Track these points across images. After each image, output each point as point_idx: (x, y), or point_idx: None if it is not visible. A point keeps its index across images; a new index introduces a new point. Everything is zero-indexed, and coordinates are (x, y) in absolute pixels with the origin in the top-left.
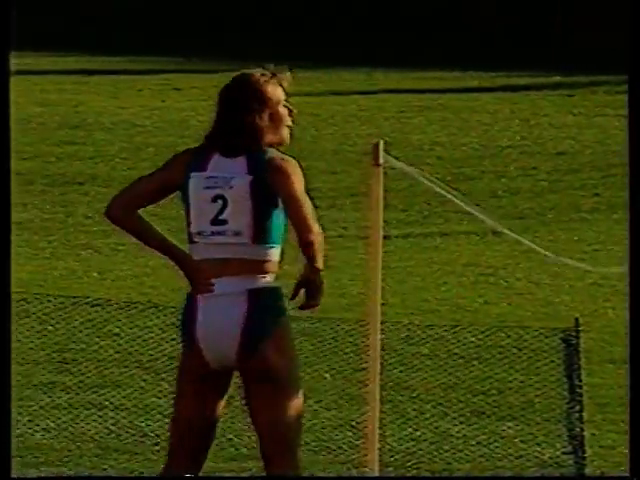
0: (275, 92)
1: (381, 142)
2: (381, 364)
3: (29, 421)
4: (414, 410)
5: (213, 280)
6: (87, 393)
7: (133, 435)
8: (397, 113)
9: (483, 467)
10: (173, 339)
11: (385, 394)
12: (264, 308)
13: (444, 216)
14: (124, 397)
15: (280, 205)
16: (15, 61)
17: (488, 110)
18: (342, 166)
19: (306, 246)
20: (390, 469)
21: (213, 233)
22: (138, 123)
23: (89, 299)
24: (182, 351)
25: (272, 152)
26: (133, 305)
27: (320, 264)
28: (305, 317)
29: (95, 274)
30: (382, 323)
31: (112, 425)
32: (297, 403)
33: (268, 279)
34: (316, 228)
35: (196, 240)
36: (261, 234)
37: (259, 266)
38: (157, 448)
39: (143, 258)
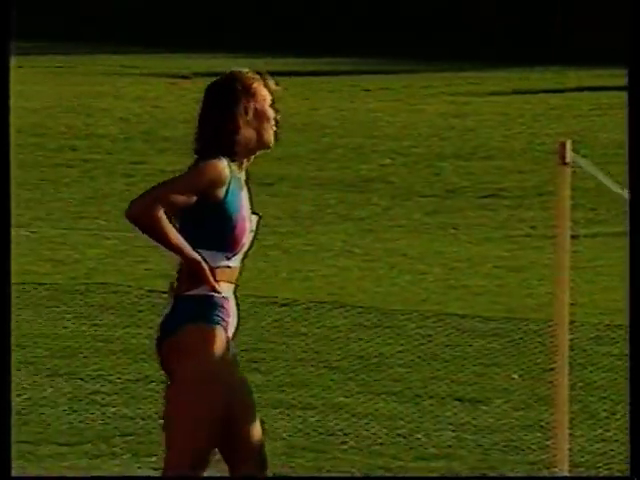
0: (261, 88)
1: (568, 141)
2: (570, 364)
3: None
4: (604, 411)
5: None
6: (275, 392)
7: (321, 434)
8: (587, 111)
9: None
10: (361, 339)
11: (574, 394)
12: (178, 312)
13: None
14: (312, 396)
15: (200, 209)
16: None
17: None
18: (530, 165)
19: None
20: (581, 469)
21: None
22: (328, 124)
23: (277, 299)
24: None
25: (212, 158)
26: (321, 305)
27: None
28: (494, 317)
29: (284, 274)
30: (571, 323)
31: (300, 424)
32: (187, 404)
33: (199, 285)
34: (132, 209)
35: None
36: (185, 237)
37: (190, 272)
38: (345, 447)
39: (331, 259)
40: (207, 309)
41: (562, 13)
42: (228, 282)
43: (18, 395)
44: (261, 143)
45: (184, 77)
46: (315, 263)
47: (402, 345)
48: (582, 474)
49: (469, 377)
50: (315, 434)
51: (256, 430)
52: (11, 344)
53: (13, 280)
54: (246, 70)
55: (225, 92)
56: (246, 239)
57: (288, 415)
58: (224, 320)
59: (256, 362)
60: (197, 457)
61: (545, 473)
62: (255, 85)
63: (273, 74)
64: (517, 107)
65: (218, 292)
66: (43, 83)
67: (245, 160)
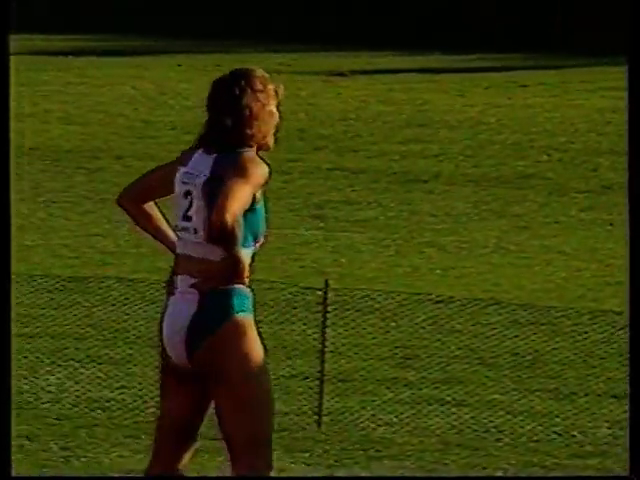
0: (273, 91)
1: None
2: None
3: (372, 415)
4: None
5: (178, 277)
6: (429, 389)
7: (475, 431)
8: None
9: None
10: (516, 336)
11: None
12: (210, 308)
13: None
14: (466, 393)
15: (249, 210)
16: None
17: None
18: None
19: (210, 228)
20: None
21: (182, 229)
22: (483, 121)
23: (432, 296)
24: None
25: (247, 152)
26: (475, 302)
27: (230, 259)
28: None
29: (438, 271)
30: None
31: (454, 421)
32: (256, 401)
33: (224, 280)
34: (227, 218)
35: (176, 234)
36: None
37: (215, 266)
38: (500, 444)
39: (486, 256)
40: (244, 300)
41: (562, 13)
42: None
43: None
44: (264, 144)
45: (341, 74)
46: (470, 260)
47: (557, 342)
48: None
49: (625, 374)
50: (469, 431)
51: None
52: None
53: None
54: (260, 70)
55: (245, 88)
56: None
57: (442, 412)
58: (252, 310)
59: (410, 359)
60: (270, 440)
61: None
62: (270, 87)
63: (426, 71)
64: None
65: (249, 286)
66: (199, 81)
67: None
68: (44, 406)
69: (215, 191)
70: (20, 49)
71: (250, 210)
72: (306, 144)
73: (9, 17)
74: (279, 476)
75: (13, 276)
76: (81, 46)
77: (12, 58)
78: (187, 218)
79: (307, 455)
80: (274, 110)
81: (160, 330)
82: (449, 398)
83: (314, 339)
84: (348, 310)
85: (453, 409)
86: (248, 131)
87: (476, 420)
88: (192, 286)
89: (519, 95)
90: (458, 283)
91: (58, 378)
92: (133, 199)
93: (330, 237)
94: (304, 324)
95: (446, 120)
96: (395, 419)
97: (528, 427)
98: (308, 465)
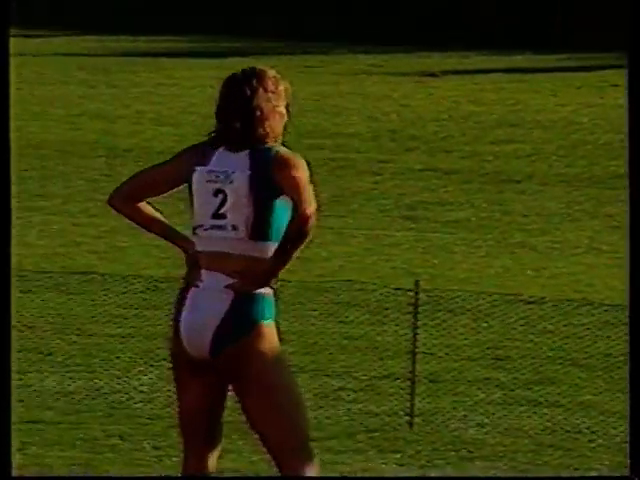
0: (286, 90)
1: None
2: None
3: (464, 416)
4: None
5: (207, 273)
6: (522, 389)
7: (568, 432)
8: None
9: None
10: (608, 336)
11: None
12: (243, 310)
13: None
14: (559, 394)
15: (281, 201)
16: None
17: None
18: None
19: (303, 222)
20: None
21: (213, 227)
22: (576, 120)
23: (524, 296)
24: (172, 338)
25: (278, 147)
26: (568, 302)
27: (288, 257)
28: None
29: (530, 272)
30: None
31: (547, 422)
32: (281, 402)
33: (265, 277)
34: (313, 208)
35: (197, 233)
36: (258, 230)
37: (255, 263)
38: (593, 445)
39: (578, 256)
40: (272, 307)
41: (562, 13)
42: None
43: None
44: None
45: (433, 75)
46: (562, 260)
47: None
48: None
49: None
50: (562, 432)
51: None
52: None
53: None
54: (272, 69)
55: (257, 87)
56: None
57: (535, 413)
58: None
59: (502, 360)
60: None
61: None
62: (281, 88)
63: (517, 71)
64: None
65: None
66: (294, 83)
67: None
68: (137, 406)
69: (263, 188)
70: (111, 51)
71: (282, 203)
72: (398, 145)
73: (9, 16)
74: (278, 476)
75: (106, 277)
76: (171, 47)
77: (104, 60)
78: (219, 216)
79: (399, 456)
80: (284, 111)
81: (176, 323)
82: (541, 399)
83: (405, 340)
84: (439, 311)
85: (545, 410)
86: (266, 129)
87: (569, 421)
88: (228, 286)
89: (611, 95)
90: (550, 284)
91: (150, 378)
92: (126, 199)
93: (421, 238)
94: (395, 325)
95: (538, 120)
96: (487, 420)
97: (621, 428)
98: (400, 466)
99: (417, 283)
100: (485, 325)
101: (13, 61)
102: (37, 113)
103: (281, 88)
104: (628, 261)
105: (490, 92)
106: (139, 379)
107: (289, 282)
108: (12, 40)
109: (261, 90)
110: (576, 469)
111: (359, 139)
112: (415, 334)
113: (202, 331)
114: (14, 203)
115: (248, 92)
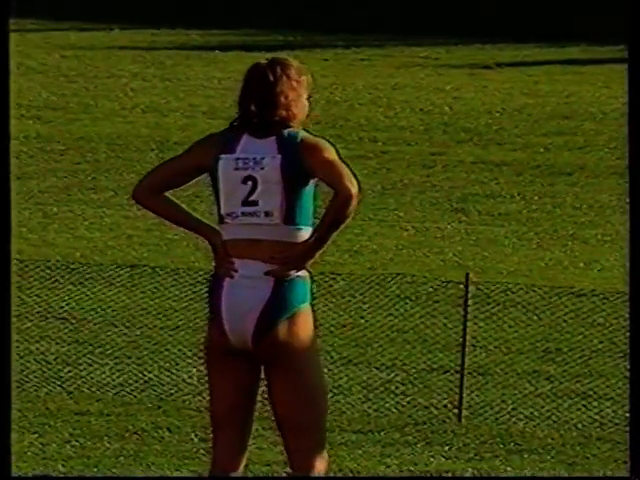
0: (308, 81)
1: None
2: None
3: (512, 409)
4: None
5: (240, 261)
6: (571, 382)
7: (617, 424)
8: None
9: None
10: None
11: None
12: (284, 295)
13: None
14: (608, 386)
15: (310, 186)
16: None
17: None
18: None
19: (345, 203)
20: None
21: (244, 214)
22: None
23: (574, 289)
24: (209, 328)
25: (304, 132)
26: (618, 295)
27: (327, 239)
28: None
29: (581, 264)
30: None
31: (596, 414)
32: (316, 387)
33: (302, 260)
34: (356, 189)
35: (227, 221)
36: (292, 215)
37: (289, 248)
38: None
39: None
40: (311, 290)
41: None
42: None
43: None
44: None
45: (487, 67)
46: (613, 253)
47: None
48: None
49: None
50: (611, 425)
51: None
52: None
53: (315, 271)
54: (295, 60)
55: (282, 75)
56: None
57: (584, 406)
58: None
59: (551, 352)
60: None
61: None
62: (304, 78)
63: (571, 62)
64: None
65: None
66: (347, 76)
67: None
68: (185, 398)
69: (294, 172)
70: (164, 44)
71: (313, 187)
72: (449, 137)
73: (8, 14)
74: (278, 476)
75: (156, 269)
76: (224, 41)
77: (157, 53)
78: (250, 203)
79: (447, 449)
80: (306, 101)
81: (215, 315)
82: (590, 392)
83: (455, 333)
84: (489, 304)
85: (594, 403)
86: (291, 114)
87: (617, 414)
88: (268, 273)
89: None
90: (600, 276)
91: (199, 370)
92: (148, 192)
93: (472, 231)
94: (445, 318)
95: (591, 112)
96: (536, 413)
97: None
98: (447, 459)
99: (467, 276)
100: (535, 318)
101: (70, 54)
102: (90, 106)
103: (304, 78)
104: (629, 262)
105: (544, 84)
106: (188, 371)
107: (339, 274)
108: (69, 33)
109: (285, 78)
110: (624, 462)
111: (411, 132)
112: (465, 327)
113: (245, 319)
114: (64, 196)
115: (272, 78)
